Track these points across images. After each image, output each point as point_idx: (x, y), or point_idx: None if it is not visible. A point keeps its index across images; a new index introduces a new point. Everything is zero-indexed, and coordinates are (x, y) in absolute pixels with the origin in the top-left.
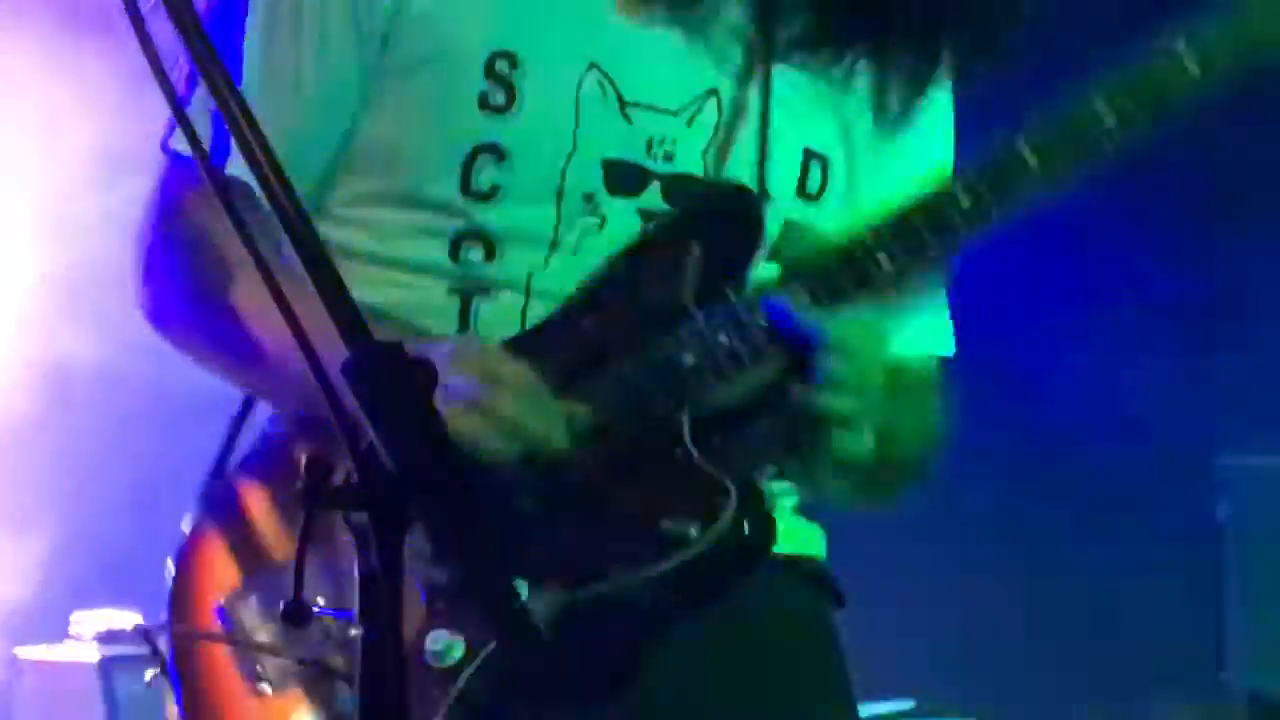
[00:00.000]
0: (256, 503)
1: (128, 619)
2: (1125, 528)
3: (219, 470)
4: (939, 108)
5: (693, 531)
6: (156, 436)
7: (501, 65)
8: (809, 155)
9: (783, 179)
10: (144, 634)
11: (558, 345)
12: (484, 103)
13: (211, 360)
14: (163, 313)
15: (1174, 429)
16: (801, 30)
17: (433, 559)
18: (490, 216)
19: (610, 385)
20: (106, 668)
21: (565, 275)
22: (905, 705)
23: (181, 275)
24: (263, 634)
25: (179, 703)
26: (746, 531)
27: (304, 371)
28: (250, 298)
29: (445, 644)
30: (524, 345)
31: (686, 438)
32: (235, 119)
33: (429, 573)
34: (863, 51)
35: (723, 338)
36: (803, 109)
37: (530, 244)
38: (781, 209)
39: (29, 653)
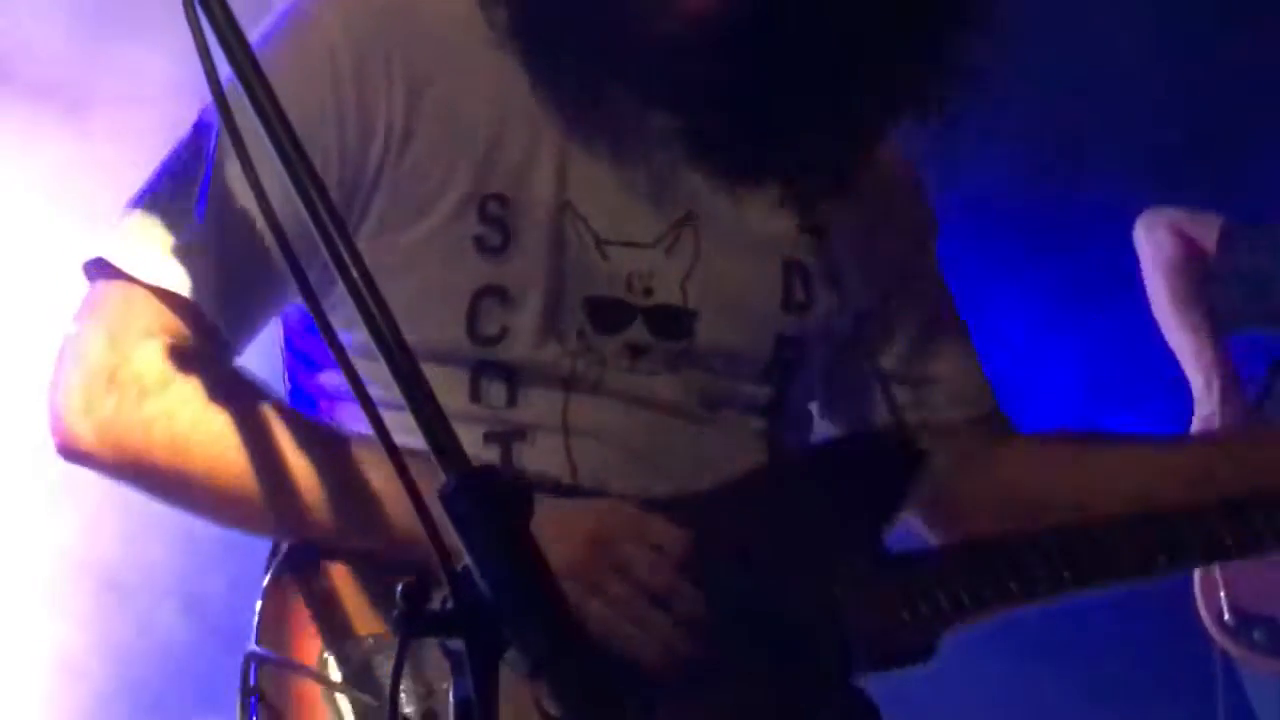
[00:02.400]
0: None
1: None
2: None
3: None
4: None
5: None
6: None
7: (493, 207)
8: (788, 267)
9: (769, 294)
10: None
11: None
12: (481, 245)
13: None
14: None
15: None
16: (739, 153)
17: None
18: (503, 354)
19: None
20: None
21: (595, 413)
22: None
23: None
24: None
25: None
26: None
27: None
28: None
29: None
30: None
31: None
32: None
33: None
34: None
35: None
36: (772, 223)
37: (548, 380)
38: (771, 324)
39: None
